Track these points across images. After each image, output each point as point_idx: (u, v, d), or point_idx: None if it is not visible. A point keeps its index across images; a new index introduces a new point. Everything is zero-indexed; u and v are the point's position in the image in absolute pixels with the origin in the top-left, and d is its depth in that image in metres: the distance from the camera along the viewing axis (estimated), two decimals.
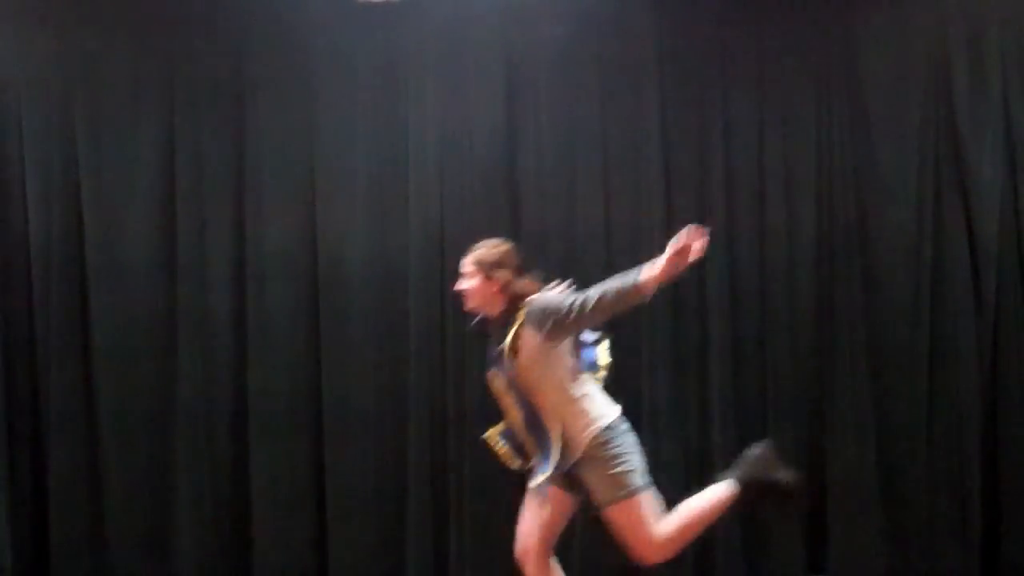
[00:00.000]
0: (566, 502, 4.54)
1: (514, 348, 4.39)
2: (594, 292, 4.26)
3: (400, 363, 6.25)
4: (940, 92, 6.30)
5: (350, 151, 6.31)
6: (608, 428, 4.40)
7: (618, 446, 4.38)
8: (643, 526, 4.39)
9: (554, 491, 4.50)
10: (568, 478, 4.46)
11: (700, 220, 6.21)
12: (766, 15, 6.35)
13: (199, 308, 6.20)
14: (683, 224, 6.20)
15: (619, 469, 4.37)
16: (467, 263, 4.58)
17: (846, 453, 6.19)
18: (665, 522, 4.41)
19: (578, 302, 4.27)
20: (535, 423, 4.44)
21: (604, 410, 4.45)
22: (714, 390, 6.23)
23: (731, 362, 6.23)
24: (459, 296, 4.62)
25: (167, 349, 6.22)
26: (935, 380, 6.24)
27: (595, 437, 4.37)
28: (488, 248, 4.62)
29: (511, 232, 6.26)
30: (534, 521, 4.54)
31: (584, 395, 4.45)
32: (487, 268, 4.54)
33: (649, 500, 4.40)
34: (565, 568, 6.18)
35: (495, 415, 6.21)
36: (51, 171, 6.19)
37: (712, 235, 6.18)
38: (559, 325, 4.31)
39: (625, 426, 4.46)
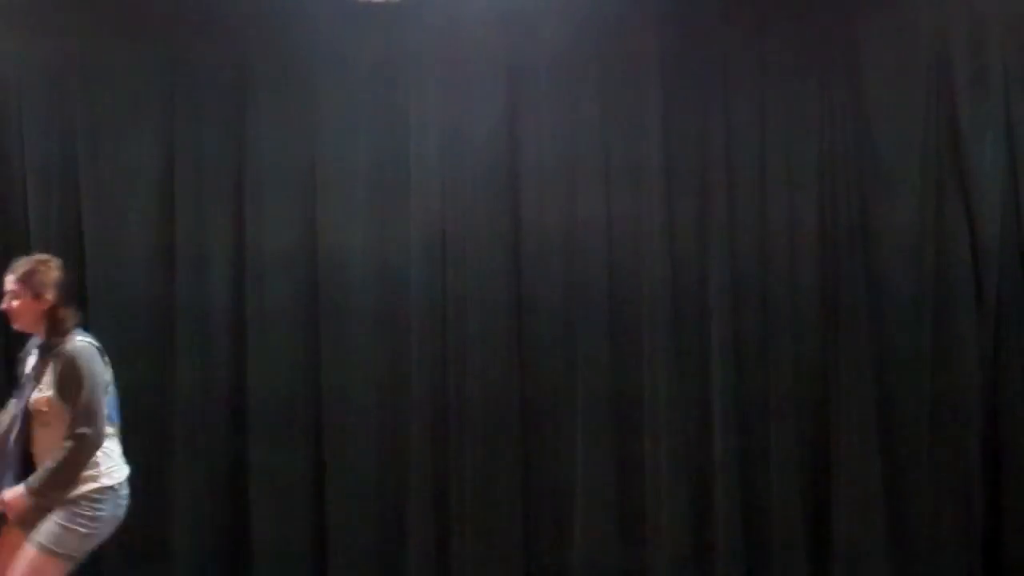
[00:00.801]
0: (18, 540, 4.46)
1: (40, 381, 4.43)
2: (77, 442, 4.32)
3: (400, 362, 6.25)
4: (941, 92, 6.28)
5: (350, 151, 6.30)
6: (100, 490, 4.41)
7: (92, 514, 4.38)
8: None
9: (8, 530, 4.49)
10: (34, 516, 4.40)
11: (701, 220, 6.32)
12: (767, 15, 6.34)
13: (199, 307, 6.19)
14: (683, 224, 6.32)
15: (69, 526, 4.33)
16: (10, 281, 4.52)
17: (849, 453, 6.16)
18: None
19: (86, 413, 4.34)
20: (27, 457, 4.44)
21: (110, 470, 4.47)
22: (715, 390, 6.21)
23: (733, 362, 6.21)
24: (8, 315, 4.59)
25: (166, 348, 6.21)
26: (937, 379, 6.21)
27: (85, 493, 4.38)
28: (34, 266, 4.54)
29: (511, 231, 6.30)
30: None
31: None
32: (34, 288, 4.49)
33: (59, 572, 4.36)
34: (565, 568, 6.23)
35: (496, 414, 6.25)
36: (51, 170, 6.19)
37: (714, 235, 6.29)
38: (65, 400, 4.36)
39: (116, 497, 4.47)
